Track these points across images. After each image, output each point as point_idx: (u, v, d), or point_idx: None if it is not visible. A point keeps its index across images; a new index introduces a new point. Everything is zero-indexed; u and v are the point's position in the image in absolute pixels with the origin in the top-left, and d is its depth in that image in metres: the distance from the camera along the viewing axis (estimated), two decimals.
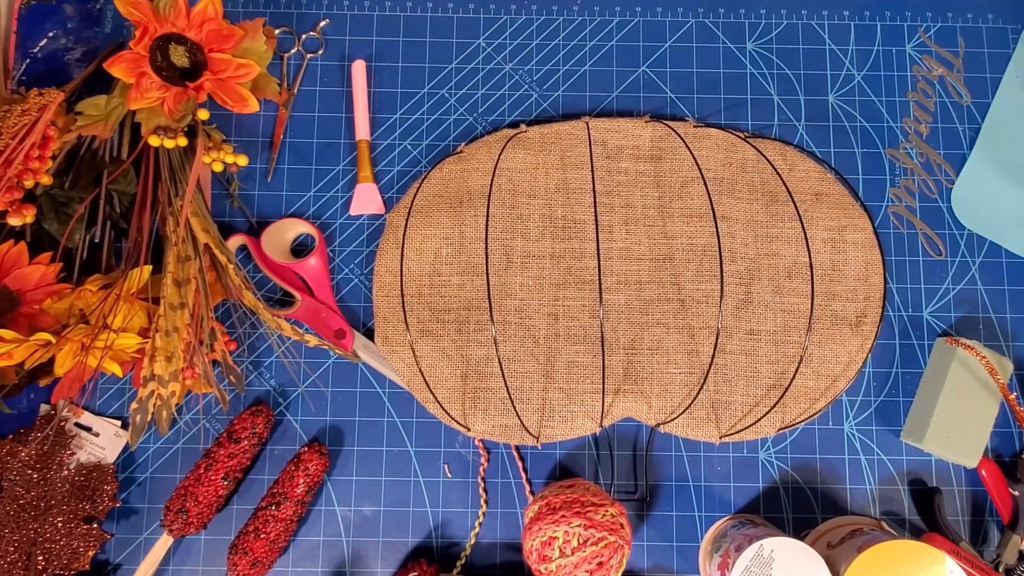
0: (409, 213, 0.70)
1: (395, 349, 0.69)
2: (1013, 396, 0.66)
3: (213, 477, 0.64)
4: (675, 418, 0.67)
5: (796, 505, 0.68)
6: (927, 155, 0.74)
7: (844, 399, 0.69)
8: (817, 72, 0.75)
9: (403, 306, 0.69)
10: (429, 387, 0.68)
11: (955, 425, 0.66)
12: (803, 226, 0.69)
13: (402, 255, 0.70)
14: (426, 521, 0.68)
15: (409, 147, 0.73)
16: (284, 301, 0.71)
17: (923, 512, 0.68)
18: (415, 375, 0.68)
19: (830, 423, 0.69)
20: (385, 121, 0.74)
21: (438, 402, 0.68)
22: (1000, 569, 0.65)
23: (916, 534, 0.67)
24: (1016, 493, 0.66)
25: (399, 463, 0.69)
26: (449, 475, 0.68)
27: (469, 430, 0.68)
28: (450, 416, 0.68)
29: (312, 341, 0.67)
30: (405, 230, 0.70)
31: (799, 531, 0.68)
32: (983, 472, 0.67)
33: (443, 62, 0.75)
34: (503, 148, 0.71)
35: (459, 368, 0.68)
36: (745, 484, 0.68)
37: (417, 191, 0.71)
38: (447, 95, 0.74)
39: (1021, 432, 0.69)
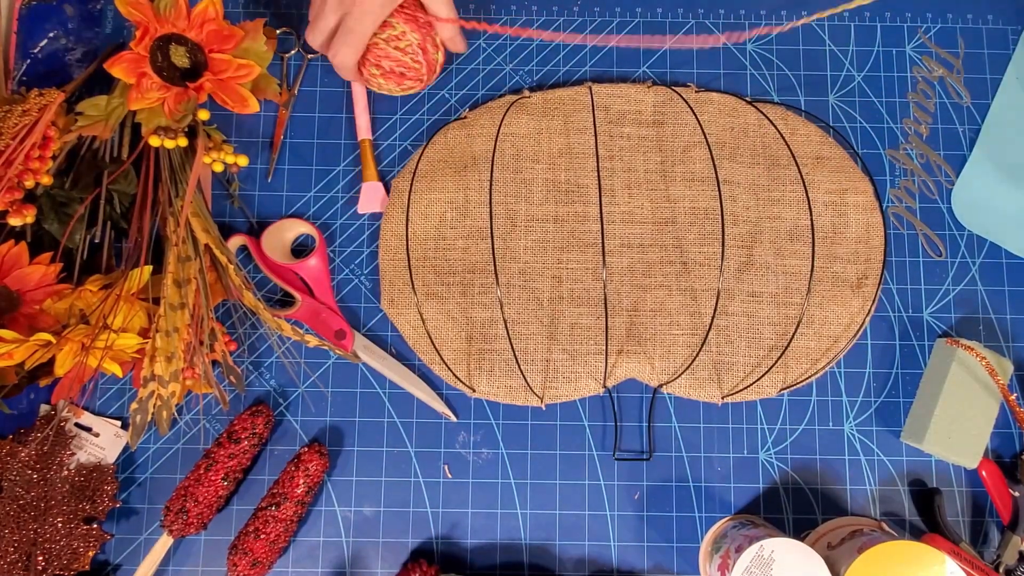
0: (413, 178, 0.71)
1: (401, 312, 0.70)
2: (1013, 397, 0.66)
3: (213, 477, 0.64)
4: (677, 378, 0.68)
5: (796, 506, 0.68)
6: (927, 156, 0.74)
7: (844, 400, 0.69)
8: (817, 73, 0.75)
9: (409, 269, 0.69)
10: (436, 348, 0.68)
11: (955, 426, 0.66)
12: (805, 189, 0.70)
13: (407, 219, 0.70)
14: (426, 521, 0.68)
15: (409, 148, 0.73)
16: (284, 301, 0.71)
17: (923, 513, 0.68)
18: (421, 336, 0.69)
19: (830, 424, 0.69)
20: (385, 122, 0.74)
21: (444, 362, 0.68)
22: (1000, 570, 0.65)
23: (916, 535, 0.67)
24: (1016, 494, 0.66)
25: (399, 463, 0.69)
26: (449, 475, 0.68)
27: (474, 391, 0.68)
28: (455, 376, 0.68)
29: (312, 341, 0.67)
30: (410, 194, 0.71)
31: (799, 532, 0.68)
32: (983, 473, 0.67)
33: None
34: (505, 113, 0.72)
35: (464, 330, 0.69)
36: (745, 485, 0.68)
37: (421, 156, 0.72)
38: (447, 95, 0.74)
39: (1021, 433, 0.69)
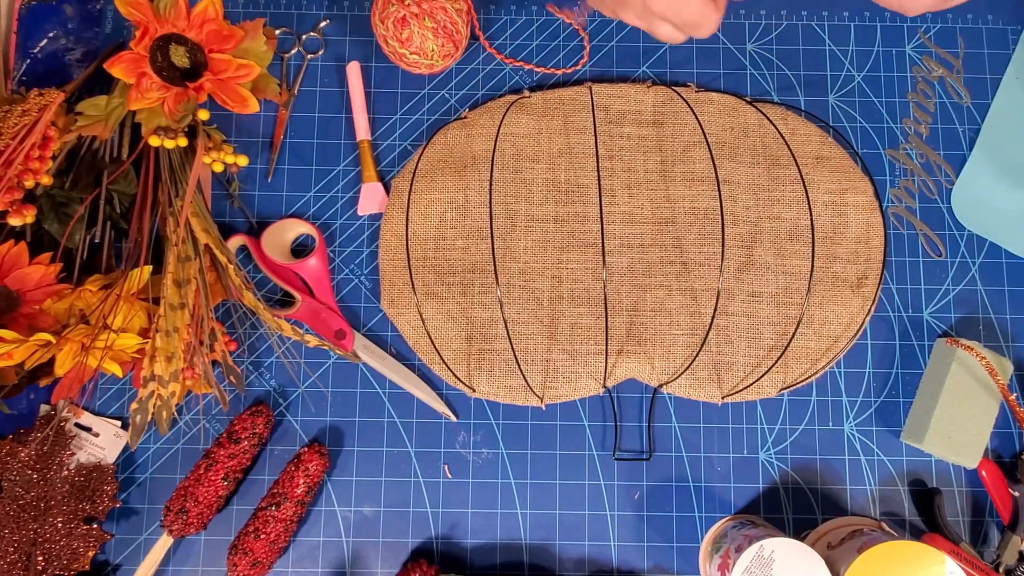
0: (413, 178, 0.71)
1: (401, 312, 0.70)
2: (1013, 397, 0.66)
3: (213, 477, 0.64)
4: (677, 378, 0.68)
5: (796, 506, 0.68)
6: (927, 156, 0.74)
7: (844, 400, 0.69)
8: (817, 73, 0.75)
9: (409, 269, 0.70)
10: (436, 348, 0.68)
11: (955, 426, 0.66)
12: (805, 189, 0.70)
13: (407, 219, 0.70)
14: (426, 521, 0.68)
15: (409, 148, 0.73)
16: (284, 301, 0.71)
17: (923, 513, 0.68)
18: (421, 336, 0.69)
19: (830, 424, 0.69)
20: (385, 122, 0.74)
21: (444, 362, 0.68)
22: (1000, 570, 0.65)
23: (916, 535, 0.67)
24: (1016, 494, 0.66)
25: (399, 463, 0.69)
26: (449, 475, 0.68)
27: (474, 391, 0.68)
28: (455, 376, 0.68)
29: (312, 341, 0.67)
30: (410, 194, 0.71)
31: (799, 532, 0.68)
32: (983, 473, 0.67)
33: None
34: (505, 113, 0.72)
35: (464, 330, 0.69)
36: (745, 485, 0.68)
37: (421, 156, 0.72)
38: (447, 95, 0.74)
39: (1021, 433, 0.69)
